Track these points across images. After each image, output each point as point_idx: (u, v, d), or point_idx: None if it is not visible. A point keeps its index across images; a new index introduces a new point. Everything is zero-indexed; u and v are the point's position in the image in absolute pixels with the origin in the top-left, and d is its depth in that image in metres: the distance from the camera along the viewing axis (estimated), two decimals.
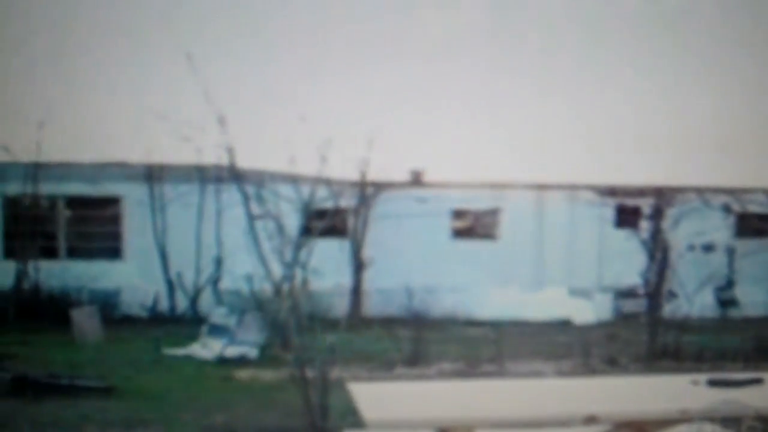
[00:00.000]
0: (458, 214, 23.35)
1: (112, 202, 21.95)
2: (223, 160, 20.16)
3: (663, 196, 22.65)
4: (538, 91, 31.60)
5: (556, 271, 22.75)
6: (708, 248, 23.18)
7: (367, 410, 4.85)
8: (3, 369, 11.71)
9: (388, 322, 18.27)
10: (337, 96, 26.76)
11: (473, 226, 23.81)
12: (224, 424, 9.27)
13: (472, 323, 19.56)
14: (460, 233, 23.36)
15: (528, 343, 16.30)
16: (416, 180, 23.67)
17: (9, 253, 21.06)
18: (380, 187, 22.19)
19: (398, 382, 7.07)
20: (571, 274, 22.77)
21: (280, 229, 18.34)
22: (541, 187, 23.18)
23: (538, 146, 30.49)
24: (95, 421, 9.32)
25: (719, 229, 23.12)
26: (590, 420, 4.97)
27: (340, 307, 19.36)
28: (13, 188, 21.03)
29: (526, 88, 31.96)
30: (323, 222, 19.69)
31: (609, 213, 23.16)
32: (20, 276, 20.49)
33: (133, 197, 21.52)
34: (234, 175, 20.35)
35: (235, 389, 12.10)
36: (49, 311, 18.65)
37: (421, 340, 14.37)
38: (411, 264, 21.44)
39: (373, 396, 5.28)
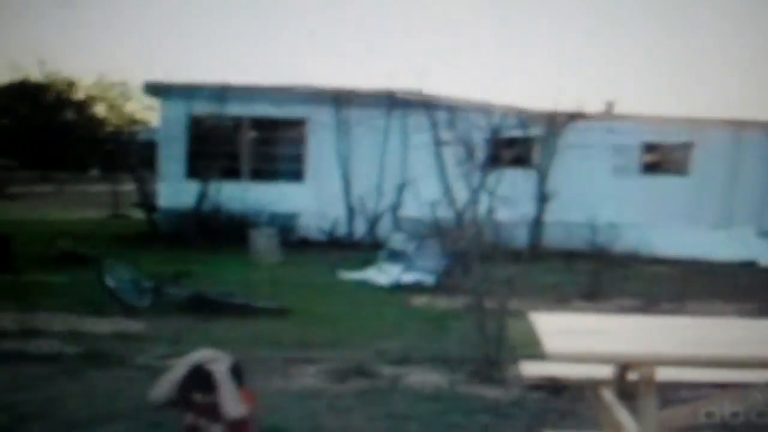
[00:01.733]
0: (649, 148, 22.75)
1: (297, 124, 22.20)
2: (413, 86, 20.16)
3: None
4: (738, 24, 30.38)
5: (746, 211, 21.97)
6: None
7: (547, 342, 4.75)
8: (181, 286, 12.00)
9: (568, 256, 17.99)
10: (532, 26, 26.44)
11: (663, 161, 23.18)
12: (398, 350, 9.23)
13: (654, 261, 19.11)
14: (649, 167, 22.78)
15: (710, 283, 15.85)
16: (608, 111, 23.16)
17: (192, 173, 21.55)
18: (571, 117, 21.69)
19: (578, 315, 6.89)
20: (762, 215, 21.98)
21: (469, 154, 18.31)
22: (739, 124, 22.30)
23: (737, 81, 29.42)
24: (268, 342, 9.38)
25: None
26: None
27: (521, 238, 19.19)
28: (201, 108, 21.47)
29: (725, 21, 30.80)
30: (510, 151, 19.48)
31: None
32: (202, 196, 20.93)
33: (317, 120, 21.68)
34: (423, 101, 20.34)
35: (410, 316, 11.97)
36: (228, 232, 19.10)
37: (600, 275, 14.12)
38: (596, 197, 21.06)
39: (553, 328, 5.16)
